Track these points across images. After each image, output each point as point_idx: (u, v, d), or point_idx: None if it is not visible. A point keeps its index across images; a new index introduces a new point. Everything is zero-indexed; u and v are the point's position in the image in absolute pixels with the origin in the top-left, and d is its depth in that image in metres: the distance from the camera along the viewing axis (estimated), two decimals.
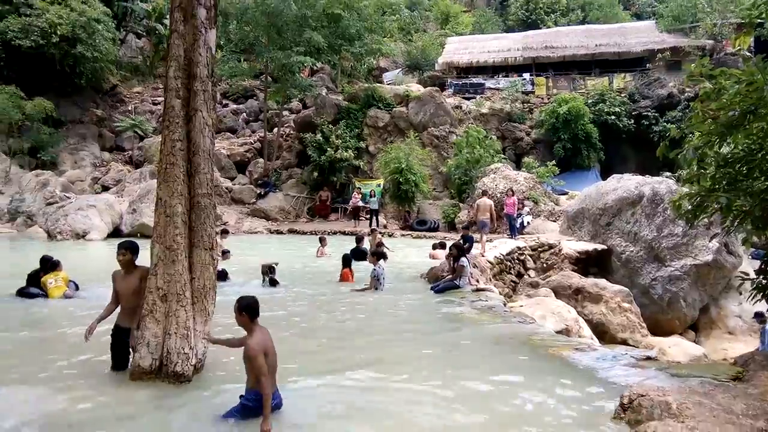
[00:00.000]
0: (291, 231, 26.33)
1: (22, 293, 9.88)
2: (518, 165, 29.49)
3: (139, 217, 22.77)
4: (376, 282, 10.87)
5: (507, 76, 36.17)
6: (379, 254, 11.62)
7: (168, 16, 20.58)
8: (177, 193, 5.65)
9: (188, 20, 5.90)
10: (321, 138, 29.31)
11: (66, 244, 19.79)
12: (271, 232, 26.19)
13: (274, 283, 11.21)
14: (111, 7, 33.56)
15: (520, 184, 23.41)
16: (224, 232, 16.62)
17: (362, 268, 12.42)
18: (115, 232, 22.82)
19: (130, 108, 35.95)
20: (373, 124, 31.39)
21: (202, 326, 5.72)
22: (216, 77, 6.20)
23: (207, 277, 5.83)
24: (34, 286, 9.96)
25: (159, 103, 36.02)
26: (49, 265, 10.18)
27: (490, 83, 35.92)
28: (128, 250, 5.82)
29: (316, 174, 29.81)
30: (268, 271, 11.34)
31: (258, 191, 30.21)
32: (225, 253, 15.02)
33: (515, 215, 18.83)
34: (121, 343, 5.76)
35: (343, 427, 4.59)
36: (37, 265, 10.24)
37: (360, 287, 11.12)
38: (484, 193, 18.17)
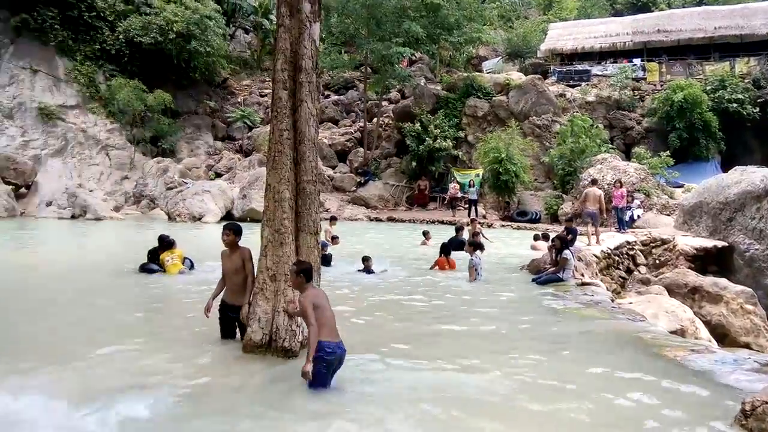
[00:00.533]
0: (390, 219, 26.69)
1: (143, 269, 10.81)
2: (627, 155, 27.95)
3: (249, 203, 24.02)
4: (473, 271, 10.78)
5: (615, 62, 34.28)
6: (476, 244, 11.49)
7: (274, 12, 21.37)
8: (284, 180, 5.89)
9: (294, 15, 6.11)
10: (419, 128, 29.36)
11: (184, 226, 21.31)
12: (371, 220, 26.70)
13: (370, 271, 11.42)
14: (221, 4, 35.49)
15: (630, 175, 22.17)
16: (333, 219, 17.11)
17: (459, 259, 12.34)
18: (227, 216, 24.23)
19: (239, 100, 37.90)
20: (472, 113, 30.97)
21: None
22: (319, 69, 6.37)
23: (312, 259, 6.04)
24: (154, 263, 10.86)
25: (266, 95, 37.71)
26: (165, 243, 11.03)
27: (596, 70, 34.25)
28: (232, 231, 6.18)
29: (414, 163, 29.94)
30: (366, 260, 11.57)
31: (358, 179, 30.87)
32: (334, 239, 15.50)
33: (624, 208, 17.88)
34: (227, 317, 6.19)
35: (427, 411, 4.57)
36: (156, 244, 11.16)
37: (457, 276, 11.08)
38: (594, 182, 17.41)
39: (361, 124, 33.80)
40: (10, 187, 23.63)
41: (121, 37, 30.57)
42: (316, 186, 6.16)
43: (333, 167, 32.09)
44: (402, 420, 4.33)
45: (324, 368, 4.74)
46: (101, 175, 28.86)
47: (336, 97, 38.77)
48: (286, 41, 6.06)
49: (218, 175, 30.33)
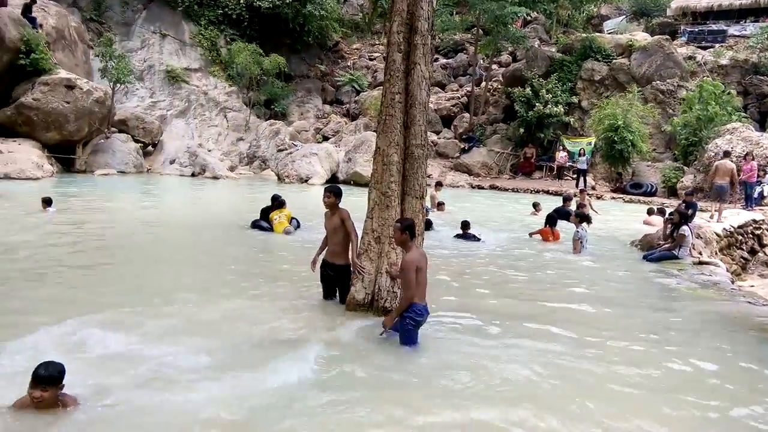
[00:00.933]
0: (492, 187, 26.21)
1: (255, 225, 11.50)
2: (762, 125, 25.32)
3: (353, 166, 24.57)
4: (578, 244, 10.41)
5: (757, 21, 30.79)
6: (582, 216, 11.06)
7: None
8: (394, 143, 5.97)
9: None
10: (530, 92, 28.27)
11: (292, 187, 22.25)
12: (473, 187, 26.38)
13: (469, 237, 11.32)
14: None
15: (764, 147, 20.12)
16: (439, 185, 17.08)
17: (565, 230, 11.93)
18: (332, 179, 24.98)
19: (349, 64, 38.41)
20: (589, 77, 29.32)
21: None
22: (434, 30, 6.30)
23: (417, 223, 6.13)
24: (265, 220, 11.50)
25: (374, 59, 37.90)
26: (277, 203, 11.63)
27: (733, 30, 31.02)
28: (332, 194, 6.35)
29: (522, 130, 29.02)
30: (465, 226, 11.48)
31: (462, 146, 30.47)
32: (440, 205, 15.54)
33: (753, 183, 16.35)
34: (327, 275, 6.43)
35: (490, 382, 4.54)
36: (267, 202, 11.80)
37: (560, 248, 10.75)
38: (726, 154, 16.11)
39: (468, 89, 33.14)
40: (139, 144, 25.72)
41: (242, 1, 31.86)
42: (425, 150, 6.18)
43: (437, 133, 31.87)
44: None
45: (412, 326, 5.08)
46: (219, 136, 30.65)
47: (444, 60, 38.17)
48: (403, 2, 6.04)
49: (325, 138, 31.18)
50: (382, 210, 5.98)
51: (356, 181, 24.26)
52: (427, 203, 15.38)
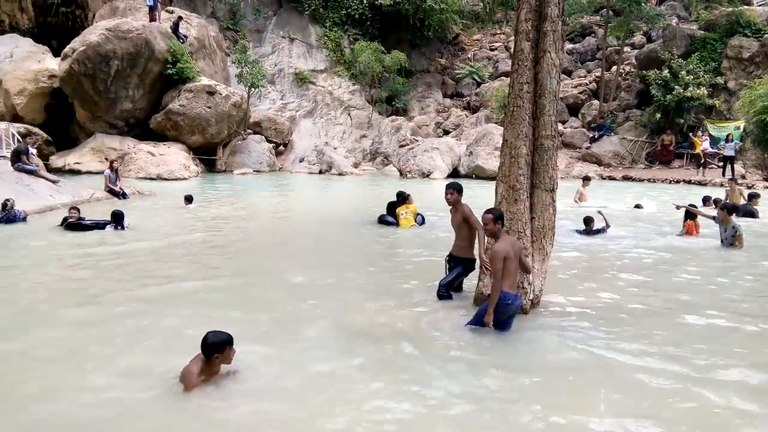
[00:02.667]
0: (625, 178, 24.68)
1: (381, 220, 11.74)
2: None
3: (475, 160, 24.28)
4: (742, 239, 9.48)
5: None
6: (731, 208, 10.06)
7: None
8: (522, 135, 5.79)
9: None
10: (668, 74, 26.15)
11: (414, 182, 22.47)
12: (603, 178, 24.98)
13: (591, 232, 10.68)
14: None
15: None
16: (586, 179, 16.18)
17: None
18: (454, 173, 24.87)
19: (469, 55, 37.97)
20: (736, 55, 26.52)
21: (539, 264, 5.90)
22: (565, 16, 6.01)
23: (546, 217, 5.93)
24: (391, 215, 11.71)
25: (495, 49, 37.13)
26: (401, 198, 11.79)
27: None
28: (455, 190, 6.37)
29: (658, 115, 26.96)
30: (588, 222, 10.85)
31: (591, 135, 28.98)
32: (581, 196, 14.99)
33: None
34: (452, 268, 6.37)
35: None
36: (391, 198, 12.03)
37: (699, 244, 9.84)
38: None
39: (598, 74, 31.38)
40: (272, 144, 27.34)
41: (364, 1, 32.71)
42: (555, 141, 5.94)
43: (563, 122, 30.54)
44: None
45: (500, 315, 5.09)
46: (343, 134, 31.72)
47: (571, 45, 36.46)
48: None
49: (446, 132, 31.11)
50: (510, 204, 5.83)
51: (478, 174, 23.97)
52: (576, 199, 14.83)
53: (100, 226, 10.00)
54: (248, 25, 32.61)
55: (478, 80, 35.12)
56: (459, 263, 6.32)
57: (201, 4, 31.05)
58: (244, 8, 32.27)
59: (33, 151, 14.77)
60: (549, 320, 5.65)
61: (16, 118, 20.84)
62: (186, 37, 23.90)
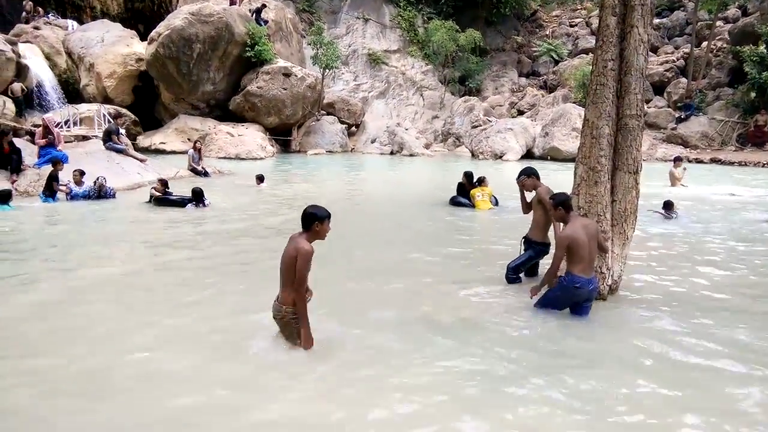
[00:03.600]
0: (714, 160, 23.25)
1: (453, 201, 11.66)
2: None
3: (551, 141, 23.57)
4: None
5: None
6: None
7: None
8: (605, 114, 5.56)
9: None
10: (764, 50, 24.23)
11: (486, 163, 22.12)
12: (690, 161, 23.59)
13: (667, 217, 10.24)
14: None
15: None
16: (678, 160, 15.49)
17: None
18: (528, 155, 24.28)
19: (547, 33, 36.69)
20: None
21: (620, 249, 5.70)
22: None
23: (629, 200, 5.69)
24: (462, 196, 11.61)
25: (576, 25, 35.69)
26: (476, 180, 11.65)
27: None
28: (528, 176, 6.29)
29: (753, 94, 25.08)
30: (668, 206, 10.37)
31: (677, 115, 27.38)
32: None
33: None
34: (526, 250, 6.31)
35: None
36: (458, 179, 11.92)
37: None
38: None
39: (686, 50, 29.50)
40: (344, 125, 27.63)
41: None
42: (640, 121, 5.67)
43: (647, 101, 28.95)
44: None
45: (564, 295, 5.06)
46: (415, 115, 31.58)
47: (658, 20, 34.42)
48: None
49: (520, 113, 30.30)
50: (590, 186, 5.63)
51: (553, 156, 23.29)
52: (669, 183, 14.24)
53: (184, 202, 10.56)
54: (323, 6, 32.92)
55: (556, 58, 33.90)
56: (531, 246, 6.24)
57: None
58: None
59: (122, 131, 15.66)
60: (627, 309, 5.43)
61: (106, 99, 22.13)
62: (266, 22, 24.44)
